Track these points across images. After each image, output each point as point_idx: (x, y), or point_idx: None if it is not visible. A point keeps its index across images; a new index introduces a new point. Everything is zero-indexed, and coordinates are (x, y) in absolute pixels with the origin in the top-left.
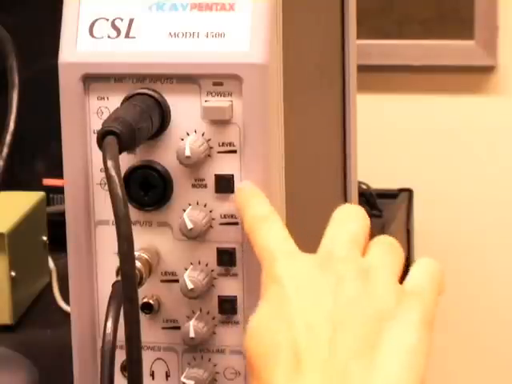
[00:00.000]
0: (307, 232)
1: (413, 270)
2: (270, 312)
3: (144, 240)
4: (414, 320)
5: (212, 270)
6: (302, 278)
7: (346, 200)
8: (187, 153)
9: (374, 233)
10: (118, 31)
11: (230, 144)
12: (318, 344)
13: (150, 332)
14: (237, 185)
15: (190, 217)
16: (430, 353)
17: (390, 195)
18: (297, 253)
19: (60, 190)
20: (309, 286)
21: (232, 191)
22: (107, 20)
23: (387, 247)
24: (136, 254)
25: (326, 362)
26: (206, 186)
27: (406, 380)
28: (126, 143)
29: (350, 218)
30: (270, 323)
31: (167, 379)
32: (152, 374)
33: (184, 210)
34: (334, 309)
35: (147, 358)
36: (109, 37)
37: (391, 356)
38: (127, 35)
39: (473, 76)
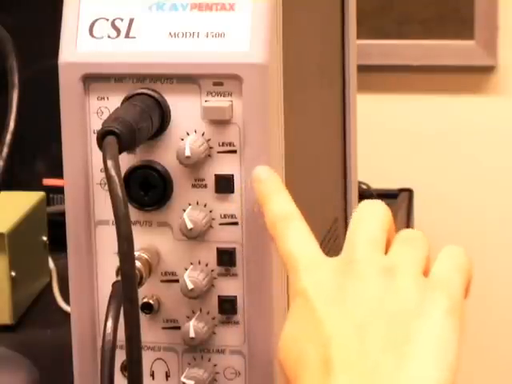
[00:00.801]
0: None
1: (438, 258)
2: (298, 323)
3: (144, 240)
4: (441, 310)
5: (212, 270)
6: (325, 285)
7: (346, 200)
8: (187, 153)
9: None
10: (118, 31)
11: (230, 144)
12: (346, 347)
13: (150, 332)
14: (257, 174)
15: (190, 217)
16: (462, 340)
17: (390, 195)
18: (320, 259)
19: (60, 190)
20: (333, 293)
21: (232, 191)
22: (107, 20)
23: (410, 241)
24: (136, 253)
25: (356, 362)
26: (206, 186)
27: (438, 370)
28: (126, 143)
29: (369, 217)
30: (298, 334)
31: (167, 379)
32: (152, 374)
33: (184, 210)
34: (360, 311)
35: (147, 357)
36: (109, 37)
37: (421, 349)
38: (127, 35)
39: (473, 76)
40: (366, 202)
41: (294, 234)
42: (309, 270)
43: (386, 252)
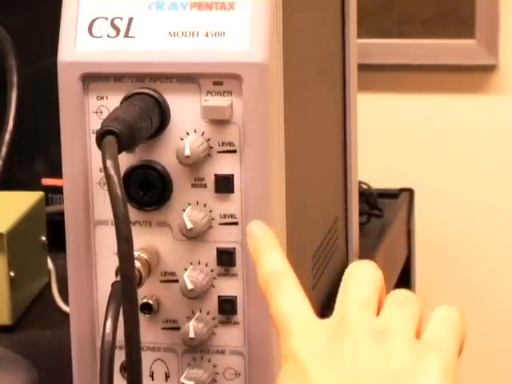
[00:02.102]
0: (307, 232)
1: (431, 319)
2: None
3: (143, 240)
4: (435, 374)
5: (212, 270)
6: (317, 348)
7: (346, 200)
8: (187, 152)
9: (374, 233)
10: (118, 30)
11: (230, 144)
12: None
13: (149, 332)
14: (251, 230)
15: (190, 217)
16: None
17: (391, 195)
18: (311, 321)
19: (59, 190)
20: (325, 356)
21: (232, 191)
22: (106, 19)
23: (401, 302)
24: (135, 254)
25: None
26: (205, 186)
27: None
28: (126, 143)
29: (361, 278)
30: None
31: (167, 380)
32: (151, 375)
33: (184, 210)
34: (353, 374)
35: (147, 358)
36: (108, 36)
37: None
38: (126, 34)
39: (474, 75)
40: (358, 263)
41: (286, 295)
42: (300, 332)
43: (378, 313)
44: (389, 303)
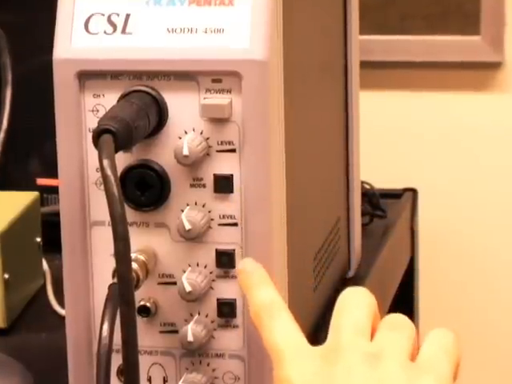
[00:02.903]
0: (308, 233)
1: (425, 341)
2: None
3: (141, 241)
4: None
5: (211, 272)
6: (310, 373)
7: (348, 200)
8: (185, 152)
9: (377, 234)
10: (115, 27)
11: (230, 143)
12: None
13: (146, 336)
14: (238, 264)
15: (188, 217)
16: None
17: (394, 195)
18: (304, 349)
19: (54, 190)
20: (318, 381)
21: (231, 191)
22: (103, 15)
23: (395, 327)
24: (133, 255)
25: None
26: (204, 186)
27: None
28: (123, 142)
29: (354, 304)
30: None
31: None
32: (149, 379)
33: (182, 211)
34: None
35: (144, 362)
36: (105, 32)
37: None
38: (124, 31)
39: (479, 73)
40: (351, 289)
41: (278, 325)
42: (293, 359)
43: (372, 338)
44: (382, 328)
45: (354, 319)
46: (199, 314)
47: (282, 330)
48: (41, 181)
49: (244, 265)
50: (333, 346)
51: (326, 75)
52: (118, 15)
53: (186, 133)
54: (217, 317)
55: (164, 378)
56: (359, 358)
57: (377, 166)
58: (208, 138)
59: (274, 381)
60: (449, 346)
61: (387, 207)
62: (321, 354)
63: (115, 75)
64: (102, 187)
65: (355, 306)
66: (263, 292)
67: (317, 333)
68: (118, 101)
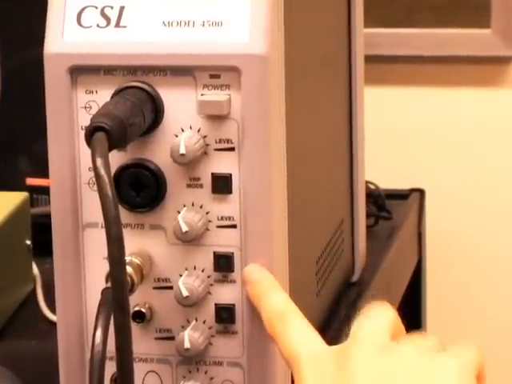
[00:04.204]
0: (311, 235)
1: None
2: None
3: (135, 244)
4: (451, 367)
5: (208, 276)
6: (328, 373)
7: (352, 201)
8: (182, 150)
9: (382, 237)
10: (108, 20)
11: (228, 141)
12: None
13: (142, 343)
14: (247, 275)
15: (185, 219)
16: None
17: (401, 196)
18: (320, 352)
19: (45, 191)
20: (337, 377)
21: (230, 191)
22: (96, 8)
23: (418, 336)
24: (127, 258)
25: None
26: (201, 186)
27: None
28: (117, 140)
29: (375, 317)
30: None
31: None
32: None
33: (178, 212)
34: None
35: (139, 370)
36: (98, 26)
37: None
38: (117, 24)
39: (489, 67)
40: (376, 305)
41: (292, 329)
42: (311, 366)
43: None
44: (403, 339)
45: (373, 327)
46: (196, 319)
47: (296, 336)
48: (31, 181)
49: (249, 274)
50: (349, 342)
51: (329, 70)
52: (111, 8)
53: (182, 130)
54: (215, 323)
55: None
56: (374, 348)
57: (382, 165)
58: (206, 136)
59: None
60: (472, 355)
61: (393, 208)
62: (337, 350)
63: (109, 70)
64: (95, 187)
65: (377, 318)
66: (274, 299)
67: None
68: (112, 97)
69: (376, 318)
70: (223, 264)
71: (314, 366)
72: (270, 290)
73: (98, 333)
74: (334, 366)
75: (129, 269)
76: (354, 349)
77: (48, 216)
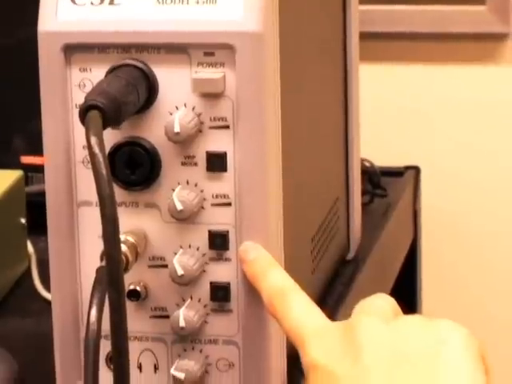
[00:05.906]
0: (306, 213)
1: None
2: None
3: (130, 222)
4: (458, 339)
5: (203, 255)
6: (335, 349)
7: (347, 179)
8: (176, 128)
9: (378, 214)
10: None
11: (223, 119)
12: None
13: (136, 321)
14: (243, 254)
15: (180, 197)
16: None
17: (396, 173)
18: (325, 326)
19: (40, 169)
20: (345, 351)
21: (225, 169)
22: None
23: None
24: (122, 237)
25: None
26: (196, 164)
27: None
28: (111, 118)
29: (378, 298)
30: None
31: (156, 372)
32: (139, 367)
33: (173, 190)
34: (379, 359)
35: (134, 348)
36: (92, 4)
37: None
38: (111, 2)
39: (484, 44)
40: (377, 294)
41: (293, 308)
42: (316, 342)
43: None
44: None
45: (377, 303)
46: (191, 298)
47: (297, 312)
48: (25, 159)
49: (245, 252)
50: (352, 318)
51: (324, 48)
52: None
53: (177, 108)
54: (210, 301)
55: (155, 365)
56: (378, 320)
57: (377, 142)
58: (200, 114)
59: (303, 368)
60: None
61: (388, 186)
62: (342, 325)
63: (103, 48)
64: (90, 166)
65: (380, 299)
66: (272, 277)
67: None
68: (106, 75)
69: (376, 300)
70: (218, 242)
71: (319, 339)
72: (267, 268)
73: (93, 311)
74: (340, 339)
75: (123, 247)
76: (359, 322)
77: (43, 194)
